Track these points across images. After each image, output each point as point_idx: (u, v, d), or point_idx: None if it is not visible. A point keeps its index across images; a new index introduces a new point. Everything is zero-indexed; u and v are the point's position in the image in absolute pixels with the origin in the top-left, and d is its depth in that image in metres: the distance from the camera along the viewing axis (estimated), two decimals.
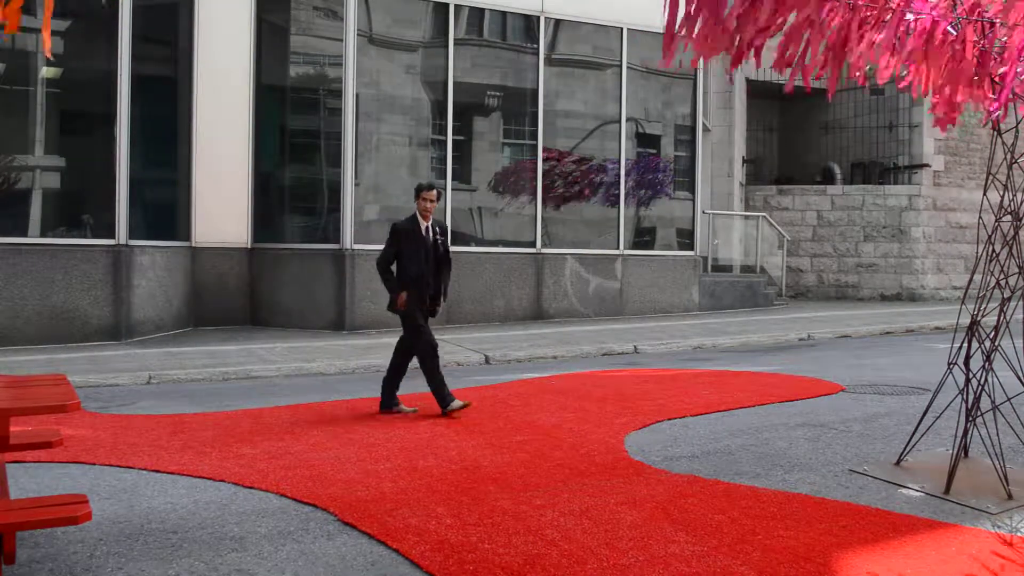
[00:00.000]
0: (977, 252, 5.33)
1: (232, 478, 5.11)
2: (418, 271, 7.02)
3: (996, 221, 5.17)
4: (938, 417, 5.56)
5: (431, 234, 7.12)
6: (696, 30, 4.15)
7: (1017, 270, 5.04)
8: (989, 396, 5.09)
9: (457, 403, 6.89)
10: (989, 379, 5.08)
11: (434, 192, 7.09)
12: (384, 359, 9.94)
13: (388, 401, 7.09)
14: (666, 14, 4.11)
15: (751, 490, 4.95)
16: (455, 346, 10.63)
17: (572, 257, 13.88)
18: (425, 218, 7.10)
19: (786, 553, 3.99)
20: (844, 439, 6.17)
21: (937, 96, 4.65)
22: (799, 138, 21.48)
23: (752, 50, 4.24)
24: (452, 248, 12.98)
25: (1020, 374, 5.08)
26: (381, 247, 7.33)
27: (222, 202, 12.22)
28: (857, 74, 4.45)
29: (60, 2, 10.87)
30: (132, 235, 10.75)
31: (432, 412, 7.01)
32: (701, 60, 4.44)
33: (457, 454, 5.68)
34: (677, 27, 4.14)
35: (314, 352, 10.16)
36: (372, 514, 4.48)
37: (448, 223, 12.76)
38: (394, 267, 7.16)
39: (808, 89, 4.66)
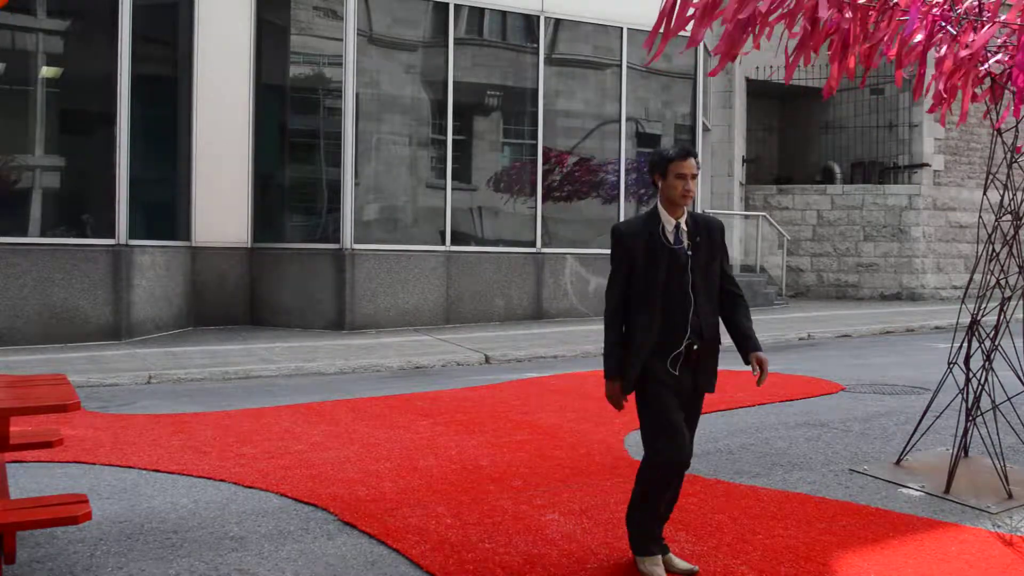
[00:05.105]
0: (977, 252, 5.34)
1: (232, 478, 5.11)
2: (661, 312, 3.75)
3: (996, 220, 5.18)
4: (938, 417, 5.56)
5: (685, 238, 3.81)
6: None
7: (1017, 270, 5.04)
8: (989, 396, 5.09)
9: (682, 565, 3.83)
10: (989, 378, 5.09)
11: (692, 162, 3.73)
12: (383, 359, 9.98)
13: (645, 545, 3.83)
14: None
15: (751, 490, 4.95)
16: (455, 346, 10.63)
17: (572, 256, 13.87)
18: (674, 212, 3.79)
19: (786, 553, 3.99)
20: (844, 439, 6.17)
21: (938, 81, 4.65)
22: (799, 138, 21.47)
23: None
24: (452, 248, 13.19)
25: (1020, 374, 5.08)
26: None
27: (222, 202, 12.21)
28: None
29: (60, 2, 10.94)
30: (132, 235, 10.75)
31: (432, 411, 7.01)
32: (701, 58, 4.49)
33: (457, 454, 5.69)
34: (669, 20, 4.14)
35: (314, 352, 10.16)
36: (372, 514, 4.48)
37: (449, 223, 12.77)
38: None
39: (787, 81, 4.66)
